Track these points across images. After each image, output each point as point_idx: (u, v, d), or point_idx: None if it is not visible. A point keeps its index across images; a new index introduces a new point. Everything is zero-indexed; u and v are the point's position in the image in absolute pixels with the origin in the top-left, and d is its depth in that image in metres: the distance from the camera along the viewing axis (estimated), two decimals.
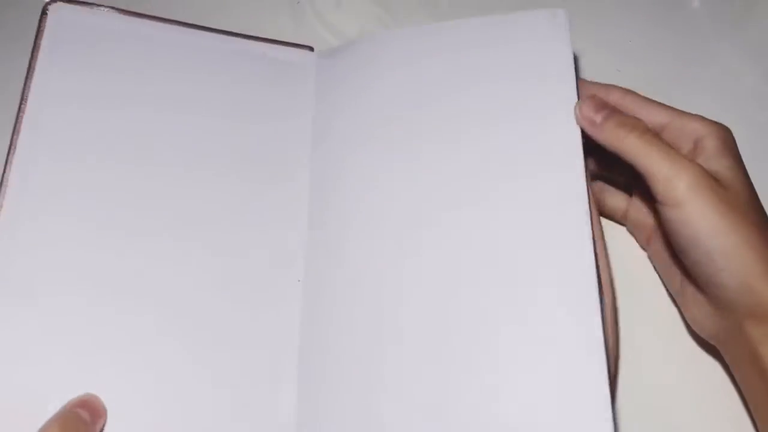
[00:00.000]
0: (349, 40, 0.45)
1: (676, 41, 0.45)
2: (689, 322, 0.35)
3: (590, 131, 0.32)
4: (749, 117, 0.43)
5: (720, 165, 0.32)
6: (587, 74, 0.44)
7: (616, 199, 0.39)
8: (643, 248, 0.39)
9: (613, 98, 0.35)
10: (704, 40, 0.45)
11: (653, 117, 0.35)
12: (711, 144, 0.33)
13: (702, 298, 0.33)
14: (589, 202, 0.31)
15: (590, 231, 0.30)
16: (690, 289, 0.34)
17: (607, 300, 0.30)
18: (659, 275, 0.38)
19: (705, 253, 0.30)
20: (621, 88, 0.36)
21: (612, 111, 0.33)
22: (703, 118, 0.34)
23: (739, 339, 0.31)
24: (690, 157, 0.32)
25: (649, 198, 0.33)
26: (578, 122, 0.33)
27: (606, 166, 0.38)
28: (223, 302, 0.33)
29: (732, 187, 0.32)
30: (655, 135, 0.32)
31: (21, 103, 0.34)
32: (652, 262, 0.38)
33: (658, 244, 0.37)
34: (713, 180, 0.31)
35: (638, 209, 0.38)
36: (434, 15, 0.47)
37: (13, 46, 0.46)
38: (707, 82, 0.44)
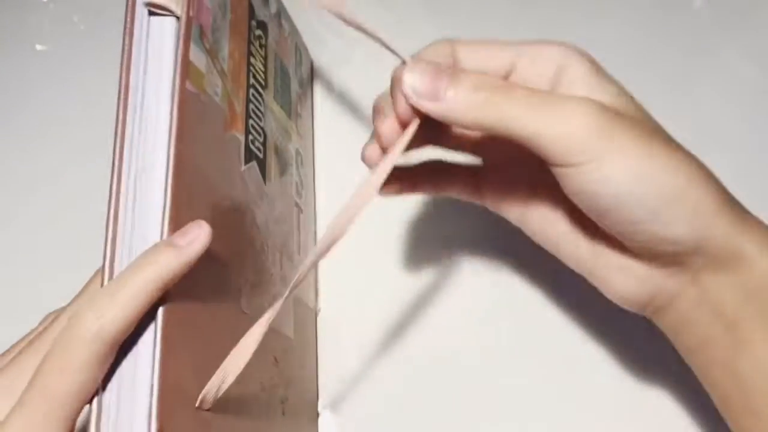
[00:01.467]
0: (349, 39, 0.45)
1: (677, 41, 0.45)
2: (611, 295, 0.28)
3: (432, 108, 0.24)
4: (750, 117, 0.42)
5: (607, 93, 0.25)
6: None
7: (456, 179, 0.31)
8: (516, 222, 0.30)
9: (439, 56, 0.26)
10: (706, 40, 0.45)
11: (494, 62, 0.26)
12: (581, 70, 0.26)
13: (629, 263, 0.26)
14: None
15: None
16: (608, 258, 0.27)
17: None
18: (547, 249, 0.30)
19: (641, 210, 0.23)
20: (441, 41, 0.27)
21: (454, 73, 0.24)
22: (552, 42, 0.26)
23: (691, 297, 0.25)
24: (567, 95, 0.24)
25: (526, 165, 0.27)
26: (410, 99, 0.24)
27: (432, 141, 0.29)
28: None
29: (637, 117, 0.25)
30: (512, 85, 0.24)
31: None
32: (534, 237, 0.30)
33: (543, 214, 0.29)
34: (615, 114, 0.24)
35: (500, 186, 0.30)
36: (434, 15, 0.47)
37: (12, 46, 0.46)
38: (708, 82, 0.44)
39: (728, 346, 0.25)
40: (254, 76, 0.31)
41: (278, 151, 0.33)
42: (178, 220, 0.23)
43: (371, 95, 0.28)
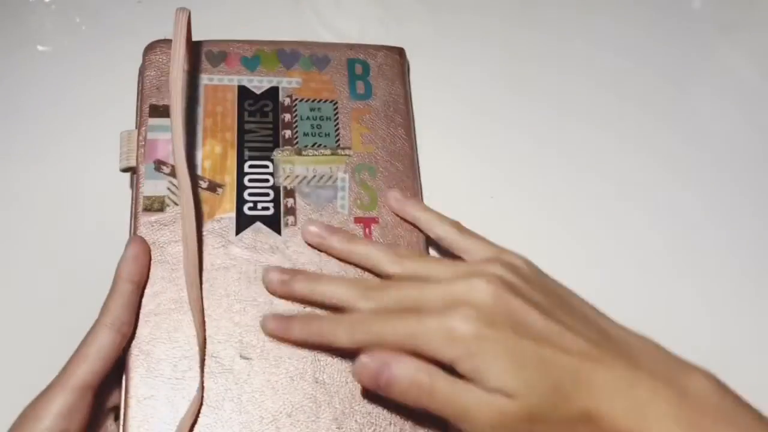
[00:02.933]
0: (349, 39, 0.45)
1: (677, 41, 0.45)
2: None
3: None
4: (749, 117, 0.42)
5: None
6: (591, 74, 0.44)
7: None
8: None
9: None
10: (705, 41, 0.45)
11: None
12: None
13: None
14: None
15: None
16: None
17: None
18: None
19: None
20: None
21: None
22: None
23: None
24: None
25: None
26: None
27: None
28: None
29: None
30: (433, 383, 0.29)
31: None
32: None
33: None
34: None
35: None
36: (434, 15, 0.47)
37: (14, 47, 0.46)
38: (708, 82, 0.44)
39: None
40: (253, 149, 0.37)
41: (304, 194, 0.37)
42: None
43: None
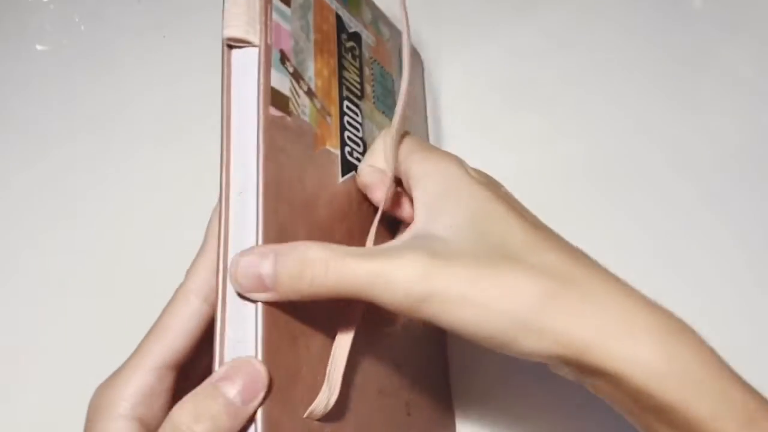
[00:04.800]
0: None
1: (677, 41, 0.45)
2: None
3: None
4: (750, 117, 0.42)
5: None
6: (590, 73, 0.44)
7: None
8: None
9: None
10: (705, 41, 0.45)
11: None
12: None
13: None
14: None
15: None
16: None
17: None
18: None
19: (485, 338, 0.23)
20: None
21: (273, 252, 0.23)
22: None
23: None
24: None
25: None
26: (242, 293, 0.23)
27: None
28: None
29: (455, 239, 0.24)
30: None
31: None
32: None
33: None
34: (439, 256, 0.23)
35: None
36: (434, 15, 0.47)
37: (13, 47, 0.46)
38: (708, 82, 0.44)
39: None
40: (348, 89, 0.32)
41: None
42: (269, 238, 0.24)
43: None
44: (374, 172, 0.29)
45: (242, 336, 0.23)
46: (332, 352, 0.26)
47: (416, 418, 0.32)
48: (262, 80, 0.26)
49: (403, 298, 0.23)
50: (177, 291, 0.26)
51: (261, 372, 0.22)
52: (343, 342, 0.26)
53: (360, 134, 0.32)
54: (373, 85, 0.34)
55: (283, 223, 0.25)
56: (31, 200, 0.41)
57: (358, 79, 0.33)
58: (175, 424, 0.22)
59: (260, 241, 0.24)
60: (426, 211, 0.26)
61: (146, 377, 0.24)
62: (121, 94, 0.41)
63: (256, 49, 0.26)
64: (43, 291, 0.38)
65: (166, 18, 0.46)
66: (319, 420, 0.25)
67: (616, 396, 0.23)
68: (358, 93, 0.33)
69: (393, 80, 0.37)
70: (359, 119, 0.32)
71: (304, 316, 0.25)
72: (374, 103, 0.34)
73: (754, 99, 0.43)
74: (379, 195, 0.29)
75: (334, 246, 0.24)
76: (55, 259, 0.39)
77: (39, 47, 0.46)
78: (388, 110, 0.35)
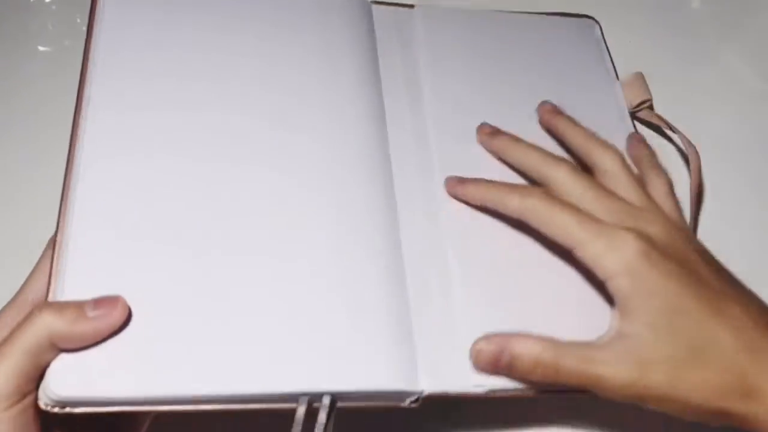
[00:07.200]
0: None
1: (676, 41, 0.45)
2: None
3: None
4: (749, 117, 0.43)
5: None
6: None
7: None
8: None
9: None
10: (704, 41, 0.45)
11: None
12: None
13: None
14: None
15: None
16: None
17: None
18: None
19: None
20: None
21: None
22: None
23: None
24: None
25: None
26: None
27: None
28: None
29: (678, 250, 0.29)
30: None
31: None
32: None
33: None
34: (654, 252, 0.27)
35: None
36: None
37: (15, 47, 0.46)
38: (707, 82, 0.44)
39: None
40: None
41: None
42: None
43: None
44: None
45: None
46: None
47: None
48: None
49: (615, 397, 0.27)
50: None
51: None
52: None
53: None
54: None
55: None
56: (31, 200, 0.41)
57: None
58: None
59: None
60: (623, 308, 0.28)
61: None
62: None
63: None
64: None
65: None
66: None
67: None
68: None
69: None
70: None
71: None
72: None
73: (750, 99, 0.43)
74: None
75: (559, 344, 0.27)
76: None
77: (41, 48, 0.46)
78: None
